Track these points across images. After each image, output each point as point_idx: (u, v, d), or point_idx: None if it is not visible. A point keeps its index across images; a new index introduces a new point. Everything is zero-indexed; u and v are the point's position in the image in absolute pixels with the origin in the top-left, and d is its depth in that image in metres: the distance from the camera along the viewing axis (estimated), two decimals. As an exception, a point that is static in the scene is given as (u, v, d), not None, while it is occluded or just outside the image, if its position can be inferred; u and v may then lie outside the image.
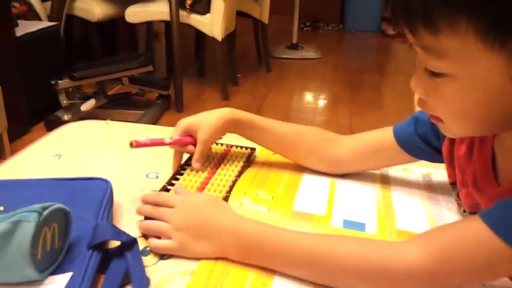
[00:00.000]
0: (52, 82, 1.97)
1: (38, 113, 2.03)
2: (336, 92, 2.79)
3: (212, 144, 0.71)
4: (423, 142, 0.63)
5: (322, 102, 2.69)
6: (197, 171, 0.68)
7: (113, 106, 2.17)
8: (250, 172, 0.71)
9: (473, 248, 0.44)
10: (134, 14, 2.35)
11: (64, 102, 2.05)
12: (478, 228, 0.43)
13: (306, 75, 3.05)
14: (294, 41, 3.38)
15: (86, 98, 2.10)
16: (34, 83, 2.01)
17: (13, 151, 1.34)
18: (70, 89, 2.07)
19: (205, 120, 0.69)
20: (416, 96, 0.49)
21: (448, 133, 0.51)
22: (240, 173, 0.70)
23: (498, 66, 0.40)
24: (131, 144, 0.64)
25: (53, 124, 1.79)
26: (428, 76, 0.44)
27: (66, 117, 2.01)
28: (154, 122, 2.15)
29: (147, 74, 2.20)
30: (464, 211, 0.59)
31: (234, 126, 0.70)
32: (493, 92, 0.42)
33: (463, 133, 0.50)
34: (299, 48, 3.37)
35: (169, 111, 2.29)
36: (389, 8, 0.47)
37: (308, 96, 2.81)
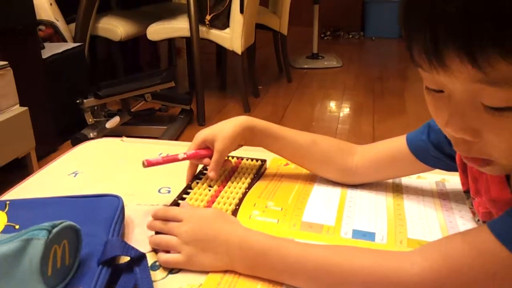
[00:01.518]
0: (78, 101, 2.03)
1: (65, 131, 2.09)
2: (358, 100, 2.76)
3: (229, 153, 0.72)
4: (436, 150, 0.62)
5: (344, 111, 2.67)
6: (209, 184, 0.69)
7: (137, 122, 2.21)
8: (260, 184, 0.71)
9: (480, 259, 0.43)
10: (156, 32, 2.41)
11: (90, 120, 2.11)
12: (485, 238, 0.42)
13: (328, 84, 3.04)
14: (315, 50, 3.38)
15: (111, 115, 2.16)
16: (61, 102, 2.08)
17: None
18: (96, 107, 2.13)
19: (221, 130, 0.70)
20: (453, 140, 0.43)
21: (496, 172, 0.45)
22: (250, 185, 0.70)
23: None
24: (143, 164, 0.65)
25: (79, 142, 1.84)
26: (483, 113, 0.37)
27: (91, 135, 2.06)
28: (177, 136, 2.19)
29: (169, 90, 2.24)
30: (479, 220, 0.58)
31: (250, 134, 0.70)
32: None
33: (504, 172, 0.44)
34: (319, 57, 3.37)
35: (191, 125, 2.32)
36: (418, 47, 0.37)
37: (330, 105, 2.80)
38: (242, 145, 0.73)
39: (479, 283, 0.43)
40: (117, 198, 0.62)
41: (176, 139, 2.17)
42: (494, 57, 0.33)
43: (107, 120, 2.12)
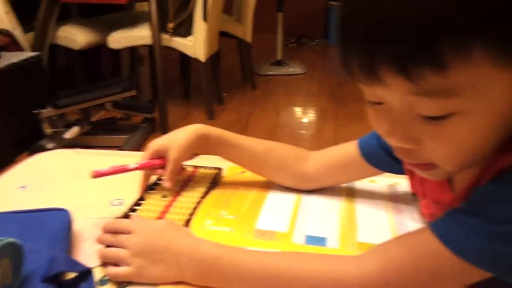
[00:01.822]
0: (35, 111, 1.98)
1: (23, 143, 2.03)
2: (322, 106, 2.80)
3: (183, 162, 0.71)
4: (386, 154, 0.63)
5: (308, 117, 2.70)
6: (162, 195, 0.68)
7: (98, 132, 2.17)
8: (215, 193, 0.71)
9: (424, 259, 0.44)
10: (117, 40, 2.37)
11: (48, 130, 2.05)
12: (428, 238, 0.43)
13: (292, 91, 3.07)
14: (279, 57, 3.40)
15: (70, 125, 2.11)
16: (18, 113, 2.01)
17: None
18: (54, 117, 2.07)
19: (175, 138, 0.69)
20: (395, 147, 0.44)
21: (439, 177, 0.46)
22: (205, 194, 0.70)
23: (506, 85, 0.36)
24: (91, 175, 0.63)
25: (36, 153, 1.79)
26: (422, 123, 0.39)
27: (50, 146, 2.00)
28: (140, 145, 2.15)
29: (131, 98, 2.20)
30: (427, 222, 0.60)
31: (205, 143, 0.70)
32: (501, 119, 0.38)
33: (458, 171, 0.45)
34: (284, 64, 3.40)
35: (155, 134, 2.29)
36: (353, 63, 0.38)
37: (294, 112, 2.83)
38: (197, 154, 0.72)
39: (423, 284, 0.44)
40: (64, 212, 0.60)
41: (139, 148, 2.14)
42: (424, 71, 0.35)
43: (66, 131, 2.06)
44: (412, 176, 0.60)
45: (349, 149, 0.67)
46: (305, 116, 2.71)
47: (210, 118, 2.46)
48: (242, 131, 2.44)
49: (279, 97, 2.97)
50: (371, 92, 0.41)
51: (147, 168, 0.69)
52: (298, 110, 2.82)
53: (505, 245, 0.39)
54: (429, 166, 0.43)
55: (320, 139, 2.27)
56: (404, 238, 0.47)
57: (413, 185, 0.61)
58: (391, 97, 0.39)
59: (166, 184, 0.68)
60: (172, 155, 0.68)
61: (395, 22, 0.34)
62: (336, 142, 0.69)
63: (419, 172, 0.46)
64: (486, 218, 0.39)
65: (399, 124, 0.40)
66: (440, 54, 0.34)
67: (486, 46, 0.34)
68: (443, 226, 0.43)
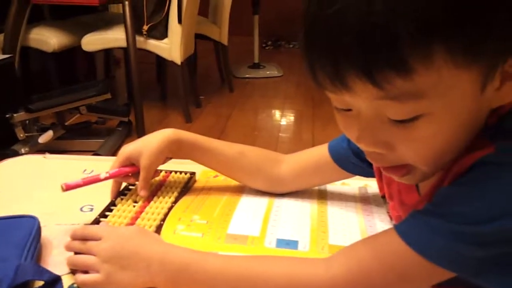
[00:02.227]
0: (7, 115, 1.93)
1: (-6, 148, 1.98)
2: (299, 108, 2.82)
3: (156, 168, 0.71)
4: (356, 157, 0.64)
5: (285, 119, 2.71)
6: (134, 200, 0.68)
7: (72, 136, 2.13)
8: (187, 197, 0.71)
9: (390, 260, 0.44)
10: (91, 43, 2.34)
11: (21, 135, 2.00)
12: (393, 239, 0.44)
13: (269, 94, 3.08)
14: (256, 60, 3.42)
15: (43, 130, 2.07)
16: (-11, 117, 1.96)
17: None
18: (27, 121, 2.03)
19: (146, 145, 0.69)
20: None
21: (414, 180, 0.46)
22: (177, 199, 0.69)
23: (467, 86, 0.38)
24: (61, 188, 0.63)
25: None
26: (391, 126, 0.40)
27: (23, 151, 1.96)
28: (116, 149, 2.13)
29: (106, 102, 2.18)
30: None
31: (177, 148, 0.70)
32: (466, 117, 0.40)
33: (434, 171, 0.45)
34: (261, 67, 3.41)
35: (131, 137, 2.27)
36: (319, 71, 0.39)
37: (272, 114, 2.84)
38: (170, 158, 0.72)
39: (390, 285, 0.45)
40: (33, 219, 0.59)
41: (115, 152, 2.11)
42: (390, 76, 0.36)
43: (40, 135, 2.02)
44: (380, 178, 0.62)
45: (321, 152, 0.68)
46: (282, 118, 2.72)
47: (187, 121, 2.45)
48: (220, 134, 2.44)
49: (256, 99, 2.98)
50: (339, 99, 0.42)
51: (119, 177, 0.69)
52: (275, 113, 2.83)
53: (466, 245, 0.40)
54: (403, 169, 0.44)
55: (298, 141, 2.29)
56: (370, 240, 0.48)
57: (381, 188, 0.62)
58: (358, 103, 0.40)
59: (141, 193, 0.68)
60: (143, 162, 0.68)
61: (358, 29, 0.35)
62: (314, 144, 0.70)
63: (395, 178, 0.47)
64: (448, 219, 0.40)
65: (368, 129, 0.41)
66: (404, 58, 0.35)
67: (446, 49, 0.35)
68: (407, 227, 0.44)
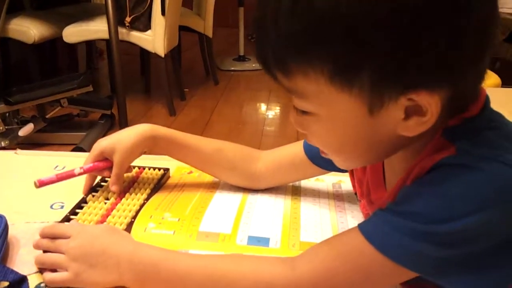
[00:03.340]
0: (-14, 108, 1.90)
1: (-27, 141, 1.94)
2: (284, 102, 2.81)
3: (130, 164, 0.70)
4: None
5: (270, 113, 2.71)
6: (105, 197, 0.67)
7: (54, 129, 2.10)
8: (159, 195, 0.70)
9: (354, 260, 0.44)
10: (72, 34, 2.30)
11: (1, 128, 1.98)
12: (357, 239, 0.44)
13: (254, 86, 3.07)
14: (241, 53, 3.40)
15: (24, 122, 2.04)
16: (-32, 110, 1.93)
17: None
18: (7, 114, 2.00)
19: (120, 140, 0.68)
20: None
21: (336, 164, 0.50)
22: (150, 196, 0.69)
23: (350, 105, 0.41)
24: (35, 185, 0.62)
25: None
26: (300, 114, 0.45)
27: (3, 144, 1.94)
28: (98, 142, 2.11)
29: (88, 94, 2.15)
30: None
31: (152, 143, 0.69)
32: (355, 130, 0.43)
33: (347, 166, 0.51)
34: (246, 59, 3.39)
35: (114, 130, 2.24)
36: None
37: (257, 107, 2.83)
38: (145, 152, 0.71)
39: (354, 284, 0.45)
40: (0, 217, 0.58)
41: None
42: (277, 71, 0.42)
43: (20, 128, 2.00)
44: (352, 176, 0.62)
45: (296, 149, 0.68)
46: (267, 112, 2.72)
47: (171, 114, 2.44)
48: (204, 126, 2.43)
49: (241, 92, 2.97)
50: None
51: (93, 172, 0.68)
52: (260, 106, 2.83)
53: (426, 245, 0.40)
54: (323, 152, 0.49)
55: (283, 135, 2.29)
56: (335, 239, 0.48)
57: (353, 185, 0.62)
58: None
59: (112, 188, 0.67)
60: (117, 158, 0.67)
61: (262, 26, 0.41)
62: (298, 138, 0.69)
63: (322, 155, 0.50)
64: (408, 218, 0.41)
65: (293, 115, 0.46)
66: (285, 63, 0.40)
67: (322, 68, 0.39)
68: (370, 225, 0.44)
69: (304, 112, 0.44)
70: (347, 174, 0.70)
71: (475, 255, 0.40)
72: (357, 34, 0.37)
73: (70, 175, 0.65)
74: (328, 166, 0.66)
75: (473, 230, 0.39)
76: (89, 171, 0.67)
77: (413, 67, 0.37)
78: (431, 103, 0.39)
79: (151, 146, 0.69)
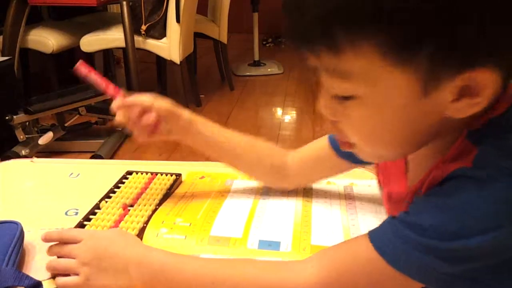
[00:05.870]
0: (7, 117, 1.95)
1: (-5, 150, 1.99)
2: (299, 106, 2.82)
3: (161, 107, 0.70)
4: None
5: (285, 117, 2.71)
6: (118, 203, 0.68)
7: (73, 137, 2.15)
8: (171, 200, 0.71)
9: (363, 267, 0.44)
10: (90, 43, 2.35)
11: (21, 137, 2.02)
12: (366, 246, 0.43)
13: (269, 91, 3.08)
14: (256, 58, 3.41)
15: (43, 131, 2.08)
16: (-10, 120, 1.98)
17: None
18: (27, 123, 2.04)
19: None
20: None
21: (363, 156, 0.48)
22: (162, 202, 0.70)
23: (403, 84, 0.38)
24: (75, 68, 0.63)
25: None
26: (337, 100, 0.42)
27: (23, 152, 1.98)
28: (116, 149, 2.14)
29: (105, 102, 2.18)
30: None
31: (176, 118, 0.70)
32: (400, 113, 0.40)
33: (377, 159, 0.48)
34: (261, 64, 3.40)
35: (131, 138, 2.27)
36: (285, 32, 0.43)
37: (272, 112, 2.84)
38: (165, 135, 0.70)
39: None
40: (15, 224, 0.60)
41: (115, 153, 2.12)
42: (322, 47, 0.38)
43: (40, 136, 2.04)
44: (376, 164, 0.60)
45: (321, 144, 0.67)
46: (283, 116, 2.72)
47: (187, 120, 2.46)
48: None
49: (257, 97, 2.98)
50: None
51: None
52: (276, 110, 2.83)
53: (435, 260, 0.39)
54: (350, 145, 0.45)
55: (299, 139, 2.28)
56: (347, 244, 0.48)
57: (377, 173, 0.61)
58: (321, 71, 0.42)
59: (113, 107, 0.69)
60: (157, 103, 0.68)
61: (303, 4, 0.38)
62: None
63: (345, 148, 0.47)
64: (418, 232, 0.39)
65: (323, 99, 0.43)
66: (334, 36, 0.37)
67: (377, 42, 0.36)
68: (380, 234, 0.43)
69: (344, 98, 0.41)
70: (358, 175, 0.69)
71: (488, 269, 0.39)
72: (423, 3, 0.34)
73: (103, 83, 0.68)
74: (352, 157, 0.64)
75: (486, 248, 0.37)
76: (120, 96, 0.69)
77: (474, 43, 0.35)
78: (487, 83, 0.37)
79: (175, 121, 0.70)
